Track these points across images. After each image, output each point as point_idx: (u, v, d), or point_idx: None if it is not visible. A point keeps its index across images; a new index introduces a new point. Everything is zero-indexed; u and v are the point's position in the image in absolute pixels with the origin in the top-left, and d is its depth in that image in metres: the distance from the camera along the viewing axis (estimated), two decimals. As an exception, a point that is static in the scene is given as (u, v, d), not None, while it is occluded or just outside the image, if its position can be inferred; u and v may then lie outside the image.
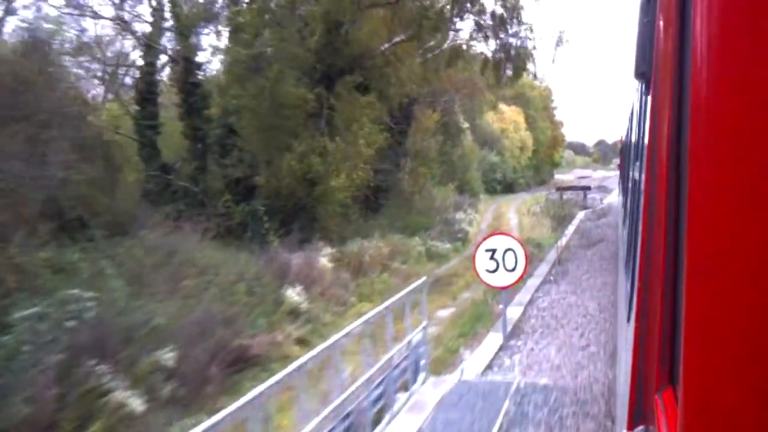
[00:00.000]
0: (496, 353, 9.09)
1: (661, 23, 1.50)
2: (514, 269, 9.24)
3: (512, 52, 22.63)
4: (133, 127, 19.05)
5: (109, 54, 21.12)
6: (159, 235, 14.45)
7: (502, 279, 9.34)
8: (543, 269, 15.22)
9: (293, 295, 14.25)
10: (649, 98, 2.04)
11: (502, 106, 59.47)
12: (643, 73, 2.14)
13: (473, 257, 9.64)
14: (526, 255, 9.43)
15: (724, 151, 0.94)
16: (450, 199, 30.65)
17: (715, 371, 0.94)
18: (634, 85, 4.04)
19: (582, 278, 13.75)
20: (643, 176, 2.30)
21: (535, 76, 28.33)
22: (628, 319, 2.49)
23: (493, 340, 9.78)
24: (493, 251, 9.26)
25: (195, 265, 13.77)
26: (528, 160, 59.72)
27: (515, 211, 35.20)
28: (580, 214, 29.00)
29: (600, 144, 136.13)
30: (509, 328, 9.89)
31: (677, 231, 1.24)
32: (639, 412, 1.60)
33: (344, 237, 18.64)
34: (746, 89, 0.93)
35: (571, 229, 22.78)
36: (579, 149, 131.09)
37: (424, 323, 8.26)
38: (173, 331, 10.90)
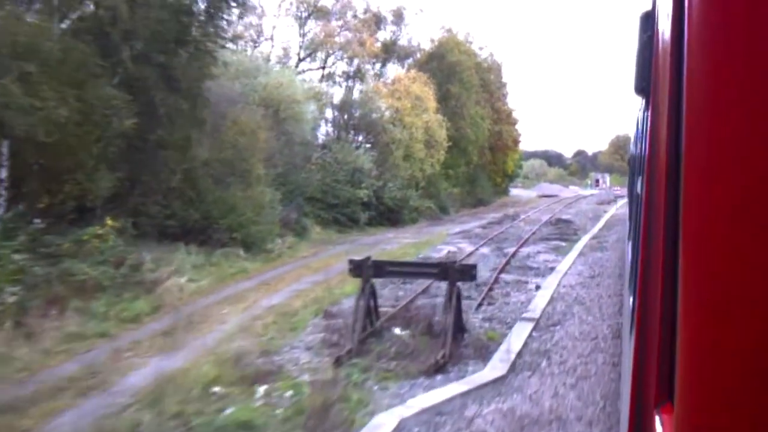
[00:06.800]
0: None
1: (660, 39, 1.51)
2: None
3: None
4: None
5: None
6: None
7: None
8: None
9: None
10: (649, 114, 2.05)
11: (398, 72, 34.40)
12: (643, 88, 2.18)
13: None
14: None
15: (718, 169, 0.93)
16: None
17: (710, 388, 0.94)
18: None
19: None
20: (644, 191, 2.32)
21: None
22: (631, 333, 2.47)
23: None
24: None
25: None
26: (442, 167, 34.56)
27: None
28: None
29: (579, 155, 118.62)
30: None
31: (674, 247, 1.18)
32: (639, 427, 1.58)
33: None
34: (742, 104, 0.91)
35: None
36: (555, 160, 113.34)
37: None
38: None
